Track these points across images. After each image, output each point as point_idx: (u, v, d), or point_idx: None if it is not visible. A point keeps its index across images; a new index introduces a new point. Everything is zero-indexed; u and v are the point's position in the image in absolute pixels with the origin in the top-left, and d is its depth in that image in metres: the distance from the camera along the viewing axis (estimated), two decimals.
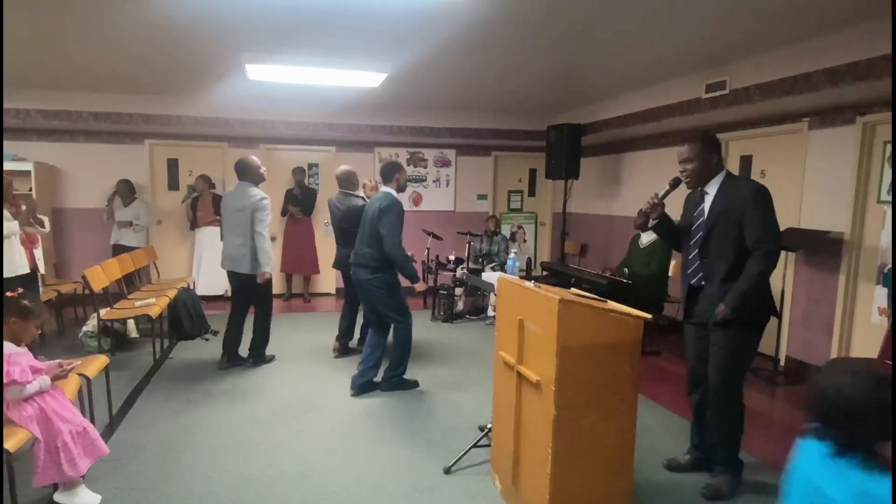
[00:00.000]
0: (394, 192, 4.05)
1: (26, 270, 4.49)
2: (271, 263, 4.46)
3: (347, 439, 3.38)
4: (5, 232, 4.29)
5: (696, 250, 2.80)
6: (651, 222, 2.93)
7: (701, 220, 2.80)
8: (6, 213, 4.40)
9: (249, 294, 4.56)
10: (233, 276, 4.54)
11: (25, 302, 2.64)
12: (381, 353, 4.15)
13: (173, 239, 7.37)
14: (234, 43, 4.18)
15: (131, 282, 6.17)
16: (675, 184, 2.91)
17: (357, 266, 4.09)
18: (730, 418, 2.77)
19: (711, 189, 2.77)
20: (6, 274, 4.27)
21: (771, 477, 2.91)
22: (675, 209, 3.03)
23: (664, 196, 2.89)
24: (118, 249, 6.40)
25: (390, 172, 4.09)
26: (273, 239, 4.58)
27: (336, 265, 4.98)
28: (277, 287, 7.53)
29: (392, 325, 4.11)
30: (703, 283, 2.80)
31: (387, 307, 4.03)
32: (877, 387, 1.26)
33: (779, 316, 2.80)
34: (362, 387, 4.09)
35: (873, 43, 3.43)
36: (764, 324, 2.76)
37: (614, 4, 3.29)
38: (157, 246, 6.99)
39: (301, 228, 7.29)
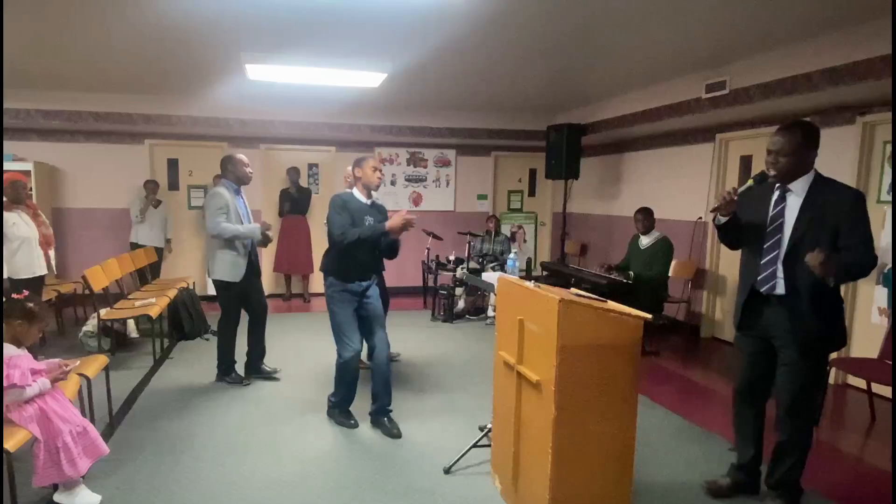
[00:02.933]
0: (354, 192, 3.47)
1: (44, 272, 4.54)
2: (254, 227, 4.07)
3: (347, 439, 3.38)
4: (21, 235, 4.31)
5: (773, 255, 2.49)
6: (720, 219, 2.58)
7: (780, 221, 2.48)
8: (24, 217, 4.42)
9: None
10: None
11: (31, 305, 2.65)
12: (373, 381, 3.54)
13: (176, 239, 7.37)
14: (234, 43, 4.18)
15: (145, 279, 6.21)
16: (759, 179, 2.51)
17: None
18: (805, 445, 2.54)
19: (798, 188, 2.45)
20: (24, 275, 4.30)
21: None
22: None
23: (743, 192, 2.52)
24: (134, 248, 6.43)
25: (353, 169, 3.51)
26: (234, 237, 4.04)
27: None
28: (278, 287, 7.57)
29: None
30: (774, 291, 2.49)
31: (330, 320, 3.49)
32: None
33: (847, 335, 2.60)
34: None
35: (873, 43, 3.44)
36: (837, 349, 2.55)
37: (614, 5, 3.29)
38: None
39: (296, 228, 7.29)
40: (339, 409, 3.60)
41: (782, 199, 2.51)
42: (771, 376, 2.62)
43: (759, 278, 2.54)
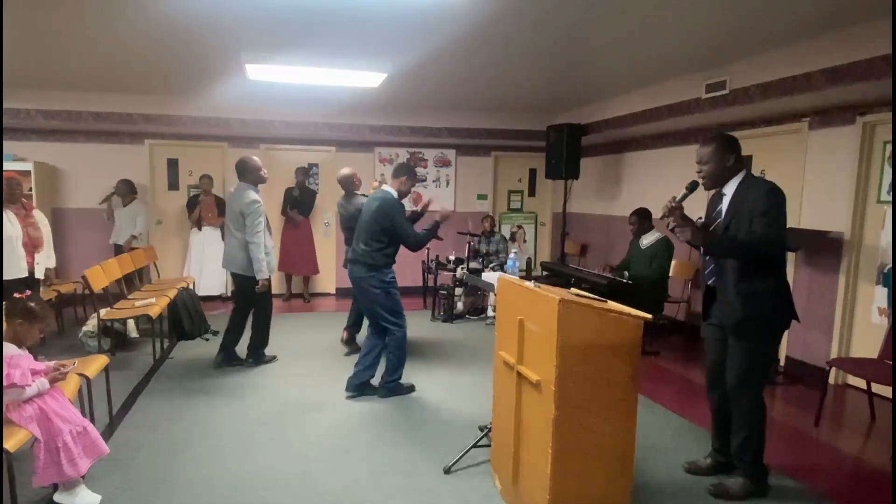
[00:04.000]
0: (393, 192, 4.01)
1: (24, 274, 4.48)
2: (266, 270, 4.40)
3: (347, 439, 3.38)
4: (7, 234, 4.28)
5: None
6: (671, 225, 2.81)
7: (718, 220, 2.77)
8: (10, 216, 4.40)
9: (246, 295, 4.55)
10: (233, 277, 4.63)
11: (32, 305, 2.65)
12: (378, 355, 4.07)
13: (173, 239, 7.37)
14: (234, 43, 4.19)
15: (131, 282, 6.18)
16: (692, 187, 2.84)
17: (353, 263, 4.05)
18: (751, 424, 2.72)
19: (729, 190, 2.74)
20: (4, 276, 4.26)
21: (781, 480, 2.90)
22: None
23: (681, 200, 2.80)
24: (118, 249, 6.41)
25: (401, 172, 4.09)
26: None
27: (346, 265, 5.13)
28: (277, 287, 7.55)
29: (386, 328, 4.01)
30: (717, 283, 2.77)
31: (381, 307, 3.97)
32: None
33: (798, 320, 2.75)
34: (357, 388, 4.04)
35: (873, 43, 3.43)
36: (783, 329, 2.74)
37: (614, 4, 3.29)
38: (156, 246, 6.99)
39: (300, 229, 7.29)
40: (400, 384, 4.09)
41: (719, 200, 2.81)
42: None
43: (705, 272, 2.86)
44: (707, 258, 2.82)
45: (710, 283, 2.82)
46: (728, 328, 2.72)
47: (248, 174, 4.46)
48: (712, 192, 2.91)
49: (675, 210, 2.78)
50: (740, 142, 2.79)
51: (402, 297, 4.12)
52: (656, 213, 5.26)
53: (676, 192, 2.85)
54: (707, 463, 3.01)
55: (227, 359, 4.64)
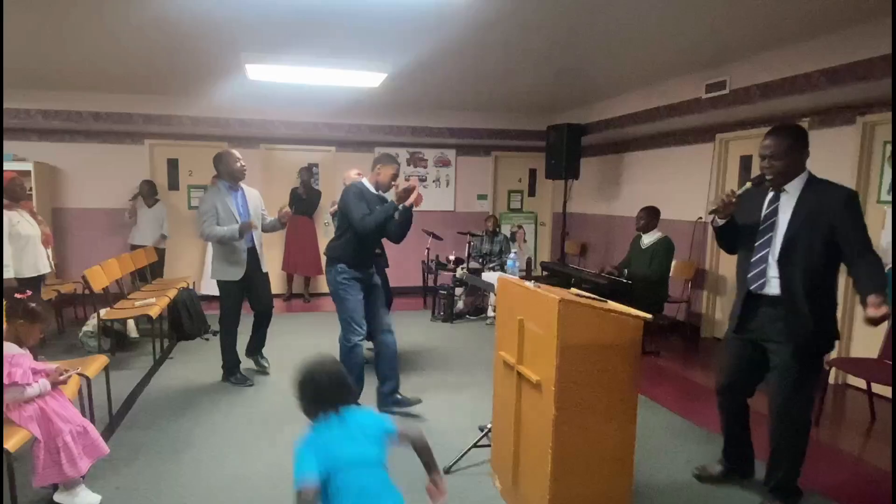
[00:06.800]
0: (367, 185, 3.64)
1: (48, 270, 4.56)
2: (229, 229, 3.95)
3: None
4: (27, 233, 4.32)
5: (763, 252, 2.51)
6: (717, 222, 2.59)
7: (773, 220, 2.51)
8: (27, 216, 4.43)
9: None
10: None
11: (34, 305, 2.66)
12: (380, 363, 3.68)
13: (175, 239, 7.36)
14: (234, 43, 4.19)
15: (145, 279, 6.20)
16: (758, 182, 2.54)
17: None
18: (800, 448, 2.54)
19: (792, 190, 2.47)
20: (30, 273, 4.30)
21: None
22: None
23: (742, 194, 2.55)
24: (135, 250, 6.43)
25: (375, 163, 3.66)
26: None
27: None
28: (277, 287, 7.56)
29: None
30: (763, 289, 2.52)
31: (337, 306, 3.59)
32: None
33: (839, 338, 2.56)
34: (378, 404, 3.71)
35: (873, 43, 3.43)
36: (829, 350, 2.57)
37: (614, 4, 3.29)
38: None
39: (304, 229, 7.29)
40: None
41: (776, 198, 2.54)
42: (755, 377, 2.67)
43: (748, 276, 2.57)
44: (754, 260, 2.54)
45: (753, 288, 2.54)
46: (787, 346, 2.45)
47: (221, 166, 4.08)
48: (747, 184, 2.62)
49: (731, 206, 2.54)
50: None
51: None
52: (663, 212, 5.31)
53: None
54: (718, 470, 2.91)
55: (254, 361, 4.52)
